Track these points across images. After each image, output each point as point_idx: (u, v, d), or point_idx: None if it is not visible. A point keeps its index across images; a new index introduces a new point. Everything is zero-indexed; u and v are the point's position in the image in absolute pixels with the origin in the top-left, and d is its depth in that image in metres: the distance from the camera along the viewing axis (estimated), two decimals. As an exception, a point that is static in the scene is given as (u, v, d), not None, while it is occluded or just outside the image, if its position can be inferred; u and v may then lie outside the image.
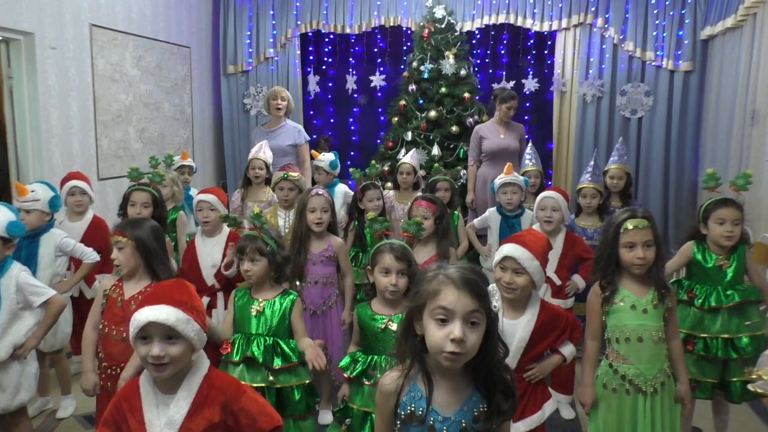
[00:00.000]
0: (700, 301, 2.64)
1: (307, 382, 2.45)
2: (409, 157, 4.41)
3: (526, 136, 5.27)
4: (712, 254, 2.67)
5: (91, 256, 3.21)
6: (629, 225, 2.17)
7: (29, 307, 2.54)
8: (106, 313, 2.36)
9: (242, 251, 2.48)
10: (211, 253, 3.18)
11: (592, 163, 3.88)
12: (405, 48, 6.86)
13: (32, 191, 3.15)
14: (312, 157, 4.45)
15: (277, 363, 2.39)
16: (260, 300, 2.47)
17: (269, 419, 1.66)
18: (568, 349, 2.25)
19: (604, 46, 6.18)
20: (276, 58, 6.83)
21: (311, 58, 7.30)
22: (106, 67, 5.06)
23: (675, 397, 2.25)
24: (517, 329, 2.12)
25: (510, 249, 2.13)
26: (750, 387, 1.96)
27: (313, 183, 4.51)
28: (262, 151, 4.28)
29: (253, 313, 2.46)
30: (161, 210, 3.37)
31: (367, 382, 2.24)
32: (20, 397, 2.51)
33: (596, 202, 3.73)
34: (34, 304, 2.50)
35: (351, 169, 4.19)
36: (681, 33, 5.95)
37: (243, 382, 1.85)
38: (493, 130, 5.06)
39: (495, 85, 6.52)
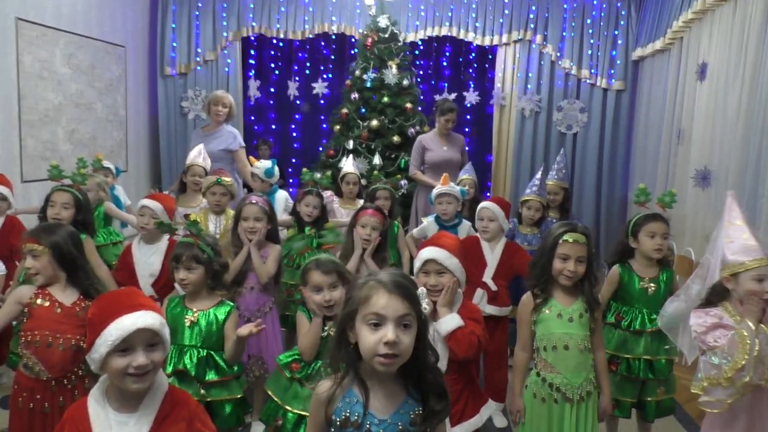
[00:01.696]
0: (626, 322, 2.75)
1: (239, 396, 2.39)
2: (351, 166, 4.39)
3: (466, 148, 5.35)
4: (638, 276, 2.77)
5: None
6: (568, 238, 2.24)
7: None
8: (33, 323, 2.20)
9: (177, 259, 2.39)
10: (149, 262, 3.07)
11: (538, 176, 3.98)
12: (348, 56, 6.85)
13: None
14: (250, 164, 4.37)
15: (211, 376, 2.32)
16: (194, 310, 2.39)
17: None
18: (456, 318, 2.15)
19: (542, 63, 6.35)
20: (216, 61, 6.68)
21: (253, 62, 7.19)
22: (33, 63, 4.81)
23: (598, 409, 2.31)
24: (440, 329, 2.14)
25: (429, 252, 2.21)
26: (697, 404, 2.03)
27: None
28: (202, 157, 4.17)
29: (187, 324, 2.37)
30: (85, 213, 3.19)
31: (309, 386, 2.20)
32: None
33: (539, 215, 3.85)
34: None
35: (303, 170, 4.15)
36: (614, 53, 6.19)
37: None
38: (436, 142, 5.11)
39: (437, 97, 6.60)
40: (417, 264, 2.24)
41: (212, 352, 2.36)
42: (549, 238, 2.32)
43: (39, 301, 2.23)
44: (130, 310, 1.47)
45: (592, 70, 6.23)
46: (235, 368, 2.40)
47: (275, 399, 2.27)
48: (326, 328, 2.24)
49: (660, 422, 2.90)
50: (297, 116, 7.41)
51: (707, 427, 2.11)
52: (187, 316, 2.37)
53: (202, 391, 2.32)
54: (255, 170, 4.18)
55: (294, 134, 7.48)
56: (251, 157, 4.42)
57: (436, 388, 1.45)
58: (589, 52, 6.23)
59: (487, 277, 3.31)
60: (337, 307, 2.21)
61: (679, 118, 4.89)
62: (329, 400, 1.44)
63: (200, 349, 2.34)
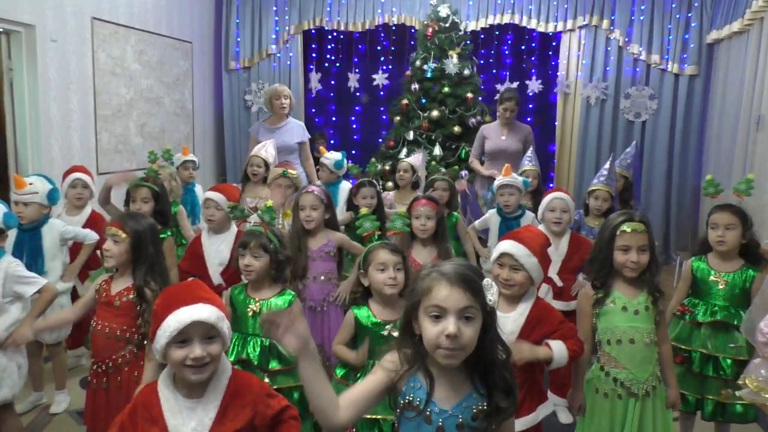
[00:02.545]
0: (690, 315, 2.62)
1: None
2: (412, 158, 4.40)
3: (532, 138, 5.22)
4: (712, 270, 2.62)
5: (90, 236, 3.23)
6: (626, 228, 2.15)
7: (18, 300, 2.50)
8: (97, 307, 2.32)
9: (245, 246, 2.41)
10: (218, 250, 3.14)
11: (607, 166, 3.84)
12: (408, 47, 6.83)
13: (30, 184, 3.12)
14: (320, 153, 4.43)
15: (274, 365, 2.35)
16: (257, 299, 2.42)
17: (290, 411, 1.64)
18: (557, 345, 2.14)
19: (609, 48, 6.15)
20: (278, 55, 6.80)
21: (314, 55, 7.27)
22: (107, 60, 5.02)
23: (666, 402, 2.23)
24: (506, 323, 2.09)
25: (507, 246, 2.14)
26: (737, 393, 1.93)
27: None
28: (264, 150, 4.24)
29: (249, 313, 2.40)
30: (163, 204, 3.33)
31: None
32: (3, 393, 2.44)
33: (607, 205, 3.70)
34: (26, 294, 2.46)
35: (350, 165, 4.16)
36: (687, 36, 5.91)
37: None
38: (496, 131, 5.04)
39: (499, 86, 6.50)
40: (494, 254, 2.19)
41: (275, 341, 2.38)
42: (606, 229, 2.23)
43: (101, 285, 2.34)
44: (189, 303, 1.50)
45: (664, 56, 5.98)
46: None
47: None
48: (387, 327, 2.23)
49: (741, 428, 2.75)
50: (357, 108, 7.44)
51: None
52: (249, 306, 2.40)
53: (267, 380, 2.33)
54: (324, 160, 4.23)
55: (354, 126, 7.53)
56: (322, 147, 4.46)
57: (503, 385, 1.42)
58: (660, 36, 5.97)
59: (553, 272, 3.17)
60: (398, 288, 2.21)
61: (759, 104, 4.63)
62: (396, 378, 1.42)
63: (263, 338, 2.37)
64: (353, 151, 7.45)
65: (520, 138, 5.06)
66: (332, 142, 7.38)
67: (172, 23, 5.98)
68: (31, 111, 4.34)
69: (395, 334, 2.14)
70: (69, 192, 3.52)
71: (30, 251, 2.98)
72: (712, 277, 2.60)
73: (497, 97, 5.24)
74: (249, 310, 2.40)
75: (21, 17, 4.14)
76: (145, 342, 2.21)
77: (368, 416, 2.19)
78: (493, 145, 4.99)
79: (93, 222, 3.54)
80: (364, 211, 2.79)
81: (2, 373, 2.45)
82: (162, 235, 2.82)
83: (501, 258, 2.15)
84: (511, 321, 2.11)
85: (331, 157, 4.21)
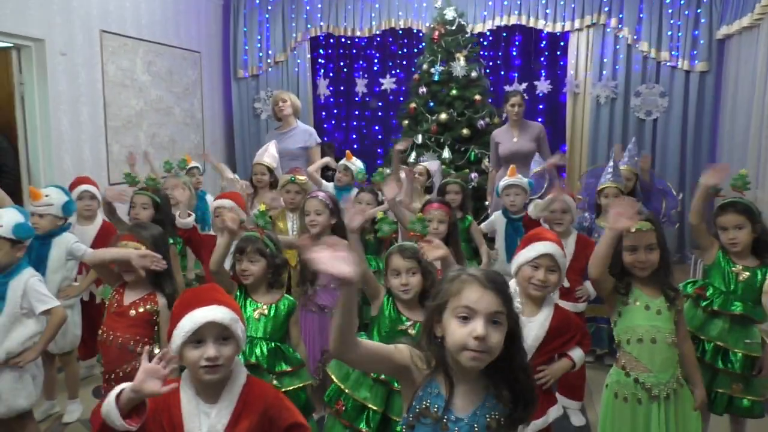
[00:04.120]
0: (706, 302, 2.54)
1: (310, 382, 2.44)
2: (429, 162, 4.40)
3: (544, 136, 5.12)
4: (732, 262, 2.55)
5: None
6: (631, 228, 2.11)
7: (32, 315, 2.52)
8: (106, 317, 2.34)
9: (242, 251, 2.45)
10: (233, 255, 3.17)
11: (611, 163, 3.81)
12: (415, 50, 6.83)
13: (46, 195, 3.16)
14: (347, 158, 4.42)
15: (282, 367, 2.38)
16: (262, 303, 2.44)
17: (301, 424, 1.64)
18: (577, 354, 2.22)
19: (617, 47, 6.11)
20: (286, 62, 6.83)
21: (321, 61, 7.30)
22: (116, 72, 5.08)
23: (695, 403, 2.18)
24: (532, 328, 2.09)
25: (548, 247, 2.12)
26: None
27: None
28: (266, 155, 4.25)
29: (255, 316, 2.42)
30: (163, 213, 3.35)
31: (372, 375, 2.21)
32: (19, 403, 2.48)
33: None
34: (36, 311, 2.48)
35: (379, 169, 4.16)
36: (696, 33, 5.85)
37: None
38: (507, 134, 4.98)
39: (507, 87, 6.47)
40: (528, 255, 2.14)
41: (279, 345, 2.41)
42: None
43: (113, 296, 2.36)
44: (204, 305, 1.54)
45: (673, 52, 5.92)
46: (298, 356, 2.45)
47: (337, 382, 2.29)
48: (407, 323, 2.23)
49: (757, 428, 2.70)
50: (366, 113, 7.45)
51: None
52: (256, 309, 2.42)
53: (275, 382, 2.35)
54: (351, 165, 4.27)
55: (363, 131, 7.53)
56: (347, 152, 4.46)
57: (527, 394, 1.41)
58: (669, 32, 5.92)
59: None
60: (413, 292, 2.22)
61: (771, 99, 4.56)
62: (416, 375, 1.41)
63: (268, 342, 2.39)
64: (363, 158, 7.46)
65: (532, 137, 4.99)
66: (343, 147, 7.39)
67: (180, 33, 6.03)
68: (42, 124, 4.40)
69: (412, 333, 2.16)
70: (77, 204, 3.56)
71: (35, 259, 3.01)
72: (734, 269, 2.52)
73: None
74: (256, 313, 2.42)
75: (30, 32, 4.20)
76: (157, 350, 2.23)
77: (359, 400, 2.21)
78: (505, 150, 4.92)
79: (105, 231, 3.57)
80: (380, 214, 2.80)
81: (18, 384, 2.48)
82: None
83: (539, 259, 2.11)
84: (537, 325, 2.10)
85: (357, 163, 4.28)
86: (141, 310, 2.30)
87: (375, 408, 2.18)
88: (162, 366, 1.45)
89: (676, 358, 2.15)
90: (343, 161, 4.36)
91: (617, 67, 6.11)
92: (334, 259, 1.22)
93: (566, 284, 3.16)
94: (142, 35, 5.40)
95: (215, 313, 1.53)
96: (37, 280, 2.53)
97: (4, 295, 2.44)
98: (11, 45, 4.23)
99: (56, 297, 2.90)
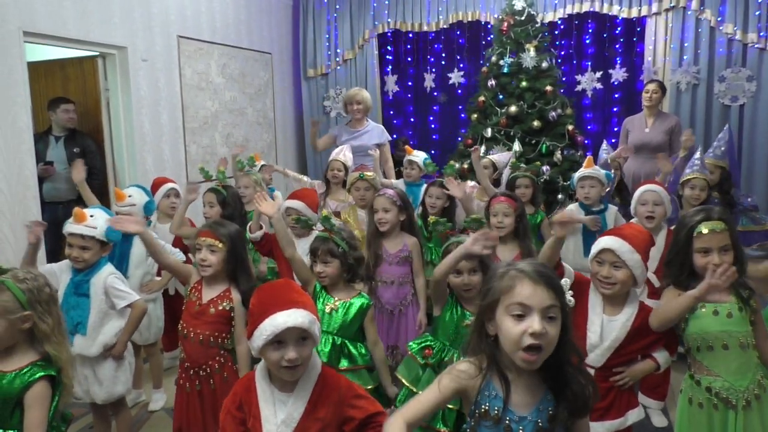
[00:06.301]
0: None
1: (369, 387, 2.39)
2: (495, 155, 4.43)
3: (677, 130, 4.90)
4: None
5: (177, 257, 3.34)
6: (704, 229, 1.99)
7: (113, 309, 2.66)
8: (185, 314, 2.43)
9: (314, 253, 2.48)
10: (305, 252, 3.23)
11: (698, 154, 3.62)
12: (484, 43, 6.73)
13: (129, 196, 3.37)
14: (407, 153, 4.46)
15: (343, 364, 2.38)
16: (336, 298, 2.46)
17: (381, 417, 1.65)
18: (662, 356, 2.11)
19: (699, 30, 5.79)
20: (354, 60, 6.90)
21: (389, 57, 7.31)
22: (192, 76, 5.28)
23: None
24: (613, 327, 2.02)
25: (608, 241, 2.04)
26: None
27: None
28: (342, 154, 4.31)
29: (327, 310, 2.44)
30: (231, 209, 3.45)
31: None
32: (118, 390, 2.63)
33: (704, 195, 3.46)
34: (117, 307, 2.61)
35: (426, 163, 4.19)
36: (787, 11, 5.46)
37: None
38: (639, 122, 4.81)
39: (579, 77, 6.29)
40: (593, 250, 2.09)
41: (346, 341, 2.42)
42: (682, 229, 2.06)
43: (192, 293, 2.44)
44: (283, 308, 1.56)
45: (761, 33, 5.55)
46: (368, 358, 2.44)
47: (408, 385, 2.28)
48: (472, 318, 2.21)
49: None
50: (435, 107, 7.42)
51: None
52: (328, 303, 2.45)
53: None
54: (413, 158, 4.32)
55: (432, 126, 7.50)
56: (408, 147, 4.50)
57: (577, 386, 1.37)
58: (757, 12, 5.55)
59: (650, 271, 2.89)
60: (475, 291, 2.19)
61: None
62: (474, 388, 1.40)
63: (335, 337, 2.41)
64: (432, 151, 7.41)
65: (666, 129, 4.78)
66: (411, 143, 7.38)
67: (252, 36, 6.20)
68: (126, 127, 4.64)
69: None
70: (163, 202, 3.72)
71: (118, 256, 3.17)
72: None
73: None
74: (327, 307, 2.44)
75: (115, 40, 4.43)
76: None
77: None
78: (635, 139, 4.72)
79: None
80: (432, 219, 2.79)
81: (118, 371, 2.63)
82: None
83: (601, 254, 2.05)
84: (619, 325, 2.03)
85: (419, 154, 4.32)
86: (219, 308, 2.37)
87: (450, 406, 2.14)
88: None
89: (754, 361, 1.99)
90: (406, 157, 4.37)
91: (699, 51, 5.80)
92: None
93: (657, 283, 3.01)
94: (216, 39, 5.60)
95: (296, 317, 1.54)
96: (115, 277, 2.63)
97: (88, 292, 2.59)
98: (97, 54, 4.48)
99: (139, 292, 3.06)
